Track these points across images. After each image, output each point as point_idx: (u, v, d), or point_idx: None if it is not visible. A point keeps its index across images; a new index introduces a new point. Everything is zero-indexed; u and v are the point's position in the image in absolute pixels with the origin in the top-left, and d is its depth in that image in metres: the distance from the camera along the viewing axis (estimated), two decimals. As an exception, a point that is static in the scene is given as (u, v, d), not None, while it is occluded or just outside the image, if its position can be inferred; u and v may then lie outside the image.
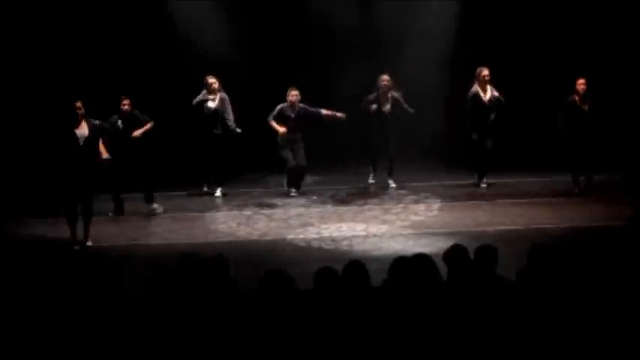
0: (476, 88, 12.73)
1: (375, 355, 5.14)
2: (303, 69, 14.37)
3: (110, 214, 11.83)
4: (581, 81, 12.06)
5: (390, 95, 13.09)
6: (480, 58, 13.13)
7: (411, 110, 13.02)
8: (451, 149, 14.03)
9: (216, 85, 12.89)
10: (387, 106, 13.10)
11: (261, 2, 14.91)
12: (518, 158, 13.67)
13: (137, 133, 11.88)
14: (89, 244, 10.38)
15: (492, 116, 12.74)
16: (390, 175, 13.39)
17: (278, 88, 13.46)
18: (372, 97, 13.08)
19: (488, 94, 12.71)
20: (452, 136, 13.92)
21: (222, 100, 12.93)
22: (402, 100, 13.11)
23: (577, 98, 12.09)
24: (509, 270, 6.11)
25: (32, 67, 13.87)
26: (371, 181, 13.53)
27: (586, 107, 12.05)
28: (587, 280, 5.91)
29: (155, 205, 11.99)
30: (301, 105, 13.09)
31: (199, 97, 12.88)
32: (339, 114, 13.08)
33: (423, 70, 14.19)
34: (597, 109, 12.01)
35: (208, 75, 12.89)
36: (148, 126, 11.98)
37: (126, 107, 11.87)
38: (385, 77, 13.05)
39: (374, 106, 13.02)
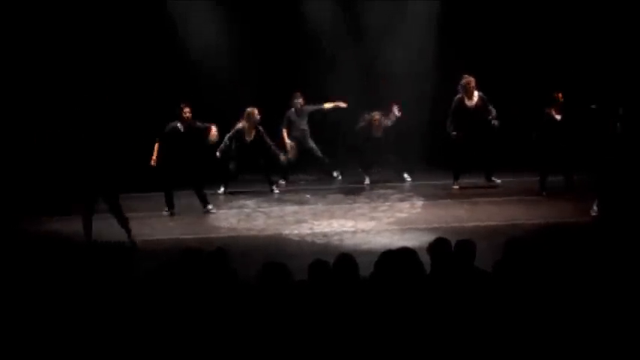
0: (461, 95, 12.56)
1: (363, 342, 5.13)
2: (297, 71, 14.34)
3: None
4: (559, 95, 11.88)
5: (382, 127, 13.20)
6: (465, 61, 13.11)
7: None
8: (434, 150, 13.96)
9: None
10: (379, 134, 13.23)
11: (253, 8, 14.64)
12: (496, 159, 13.59)
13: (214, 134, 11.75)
14: (133, 239, 10.04)
15: (476, 120, 12.58)
16: (404, 170, 13.60)
17: (276, 89, 13.61)
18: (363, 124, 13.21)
19: (475, 100, 12.56)
20: (435, 137, 13.78)
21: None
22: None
23: (553, 111, 11.90)
24: (486, 262, 6.11)
25: (32, 67, 13.62)
26: (367, 182, 13.51)
27: (559, 117, 11.89)
28: (559, 271, 5.90)
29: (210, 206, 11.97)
30: (306, 107, 13.51)
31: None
32: (342, 104, 13.37)
33: (408, 71, 14.17)
34: (570, 115, 11.87)
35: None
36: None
37: (187, 115, 11.57)
38: (376, 116, 13.11)
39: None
